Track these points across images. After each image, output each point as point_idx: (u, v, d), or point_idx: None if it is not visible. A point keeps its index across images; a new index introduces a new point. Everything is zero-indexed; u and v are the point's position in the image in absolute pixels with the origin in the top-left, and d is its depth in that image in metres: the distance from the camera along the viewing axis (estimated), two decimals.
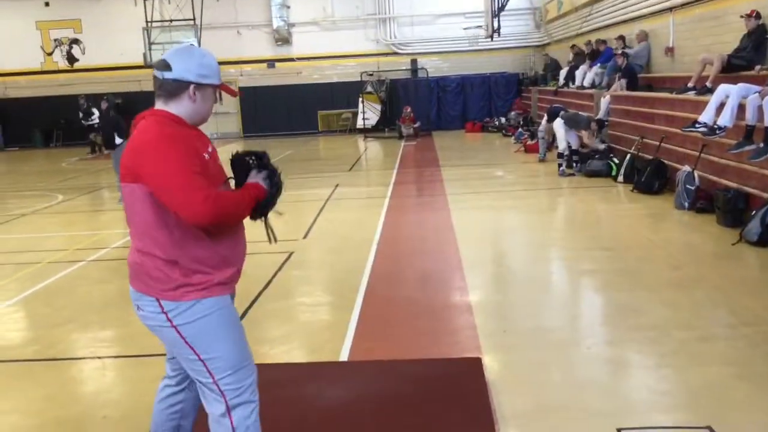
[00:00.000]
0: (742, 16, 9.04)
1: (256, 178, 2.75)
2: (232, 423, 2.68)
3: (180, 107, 2.65)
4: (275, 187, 2.77)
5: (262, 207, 2.75)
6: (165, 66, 2.63)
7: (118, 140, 11.77)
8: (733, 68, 8.99)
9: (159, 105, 2.67)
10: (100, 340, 5.34)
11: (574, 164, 12.17)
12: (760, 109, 7.27)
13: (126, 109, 24.59)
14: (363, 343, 4.88)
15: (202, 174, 2.53)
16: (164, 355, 2.99)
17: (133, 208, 2.63)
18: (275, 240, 2.87)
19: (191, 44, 3.08)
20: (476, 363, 4.30)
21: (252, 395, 2.74)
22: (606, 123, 12.82)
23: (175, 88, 2.63)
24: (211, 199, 2.47)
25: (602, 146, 12.19)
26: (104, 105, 12.06)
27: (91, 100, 20.34)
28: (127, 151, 2.60)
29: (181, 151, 2.52)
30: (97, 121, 19.50)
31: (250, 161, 2.79)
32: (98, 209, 12.10)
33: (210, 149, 2.72)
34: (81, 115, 20.67)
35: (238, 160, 2.80)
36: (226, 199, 2.56)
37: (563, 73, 17.79)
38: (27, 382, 4.62)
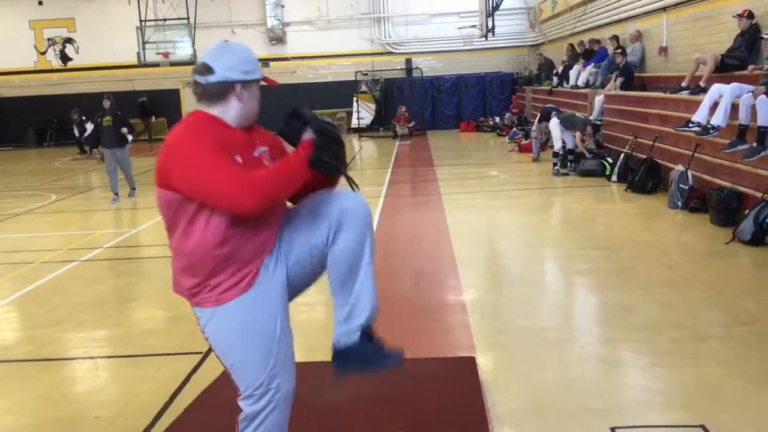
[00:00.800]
0: (734, 16, 9.06)
1: (304, 136, 2.53)
2: None
3: (226, 109, 2.48)
4: (323, 134, 2.51)
5: (322, 161, 2.49)
6: (206, 69, 2.45)
7: (129, 137, 11.74)
8: (726, 68, 9.01)
9: (202, 109, 2.52)
10: (93, 340, 5.32)
11: (569, 164, 12.20)
12: (752, 108, 7.30)
13: (151, 108, 24.68)
14: None
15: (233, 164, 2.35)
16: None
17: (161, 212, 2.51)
18: (358, 187, 2.66)
19: (224, 40, 2.98)
20: (470, 362, 4.30)
21: (266, 420, 2.57)
22: (599, 123, 12.83)
23: (220, 90, 2.46)
24: (248, 183, 2.28)
25: (595, 148, 12.21)
26: (107, 104, 11.96)
27: (85, 113, 19.92)
28: (159, 154, 2.46)
29: (205, 147, 2.35)
30: (90, 132, 19.11)
31: (295, 123, 2.55)
32: (92, 209, 12.05)
33: (256, 152, 2.53)
34: (75, 130, 20.24)
35: (287, 129, 2.56)
36: (264, 179, 2.33)
37: (557, 72, 17.83)
38: (20, 382, 4.60)
